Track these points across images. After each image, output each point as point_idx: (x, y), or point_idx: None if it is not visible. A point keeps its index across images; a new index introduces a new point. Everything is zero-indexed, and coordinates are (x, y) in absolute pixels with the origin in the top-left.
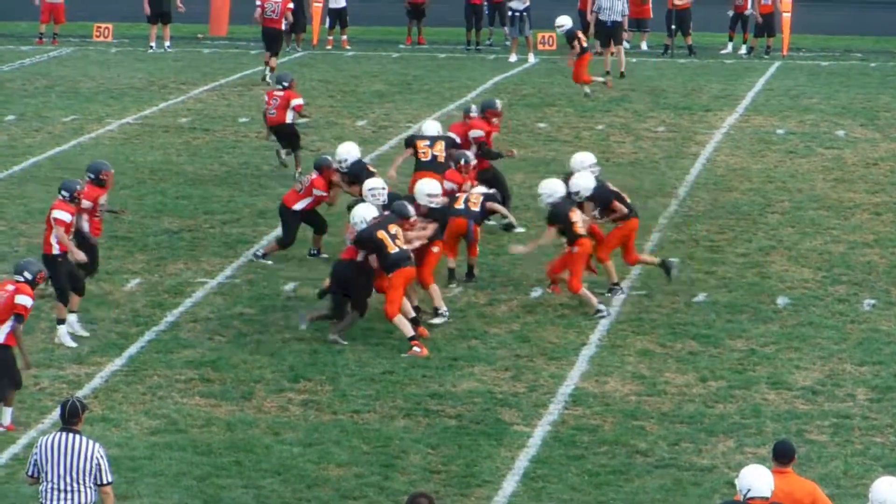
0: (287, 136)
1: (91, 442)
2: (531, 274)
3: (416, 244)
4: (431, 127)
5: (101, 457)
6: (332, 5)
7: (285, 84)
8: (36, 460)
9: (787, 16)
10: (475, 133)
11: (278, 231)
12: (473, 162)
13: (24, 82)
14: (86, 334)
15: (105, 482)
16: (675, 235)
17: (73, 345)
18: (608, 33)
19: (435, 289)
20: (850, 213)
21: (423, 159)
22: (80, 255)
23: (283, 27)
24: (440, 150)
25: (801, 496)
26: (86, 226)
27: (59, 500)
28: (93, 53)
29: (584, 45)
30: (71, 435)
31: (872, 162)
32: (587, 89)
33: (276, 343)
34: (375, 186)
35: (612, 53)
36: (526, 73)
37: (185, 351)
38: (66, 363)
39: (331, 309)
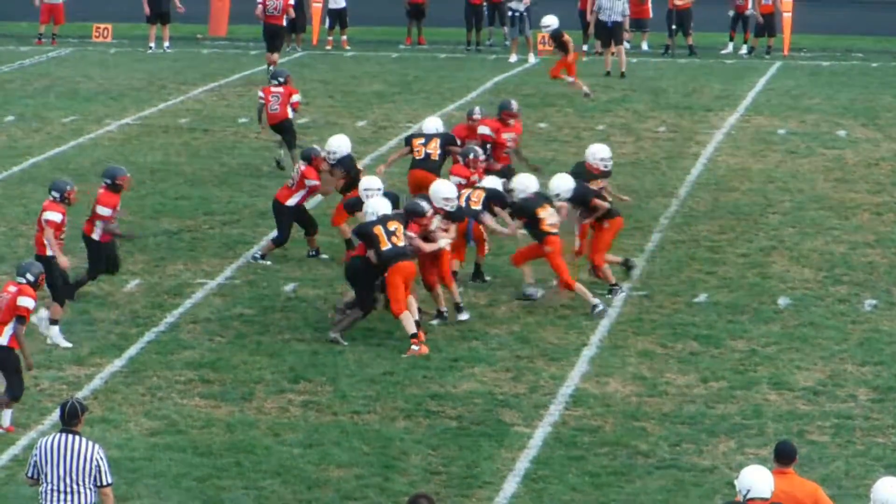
0: (287, 132)
1: (91, 443)
2: (532, 275)
3: (440, 245)
4: (431, 124)
5: (101, 458)
6: (332, 5)
7: (281, 80)
8: (35, 462)
9: (787, 16)
10: (483, 130)
11: (276, 232)
12: (482, 156)
13: (23, 83)
14: (68, 345)
15: (105, 483)
16: (676, 236)
17: (68, 344)
18: (608, 33)
19: (440, 291)
20: (852, 214)
21: (417, 157)
22: (64, 261)
23: (285, 23)
24: (434, 147)
25: (802, 497)
26: (98, 230)
27: (58, 501)
28: (92, 54)
29: (570, 45)
30: (70, 436)
31: (874, 162)
32: (586, 89)
33: (277, 344)
34: (370, 187)
35: (612, 53)
36: (526, 74)
37: (184, 352)
38: (65, 364)
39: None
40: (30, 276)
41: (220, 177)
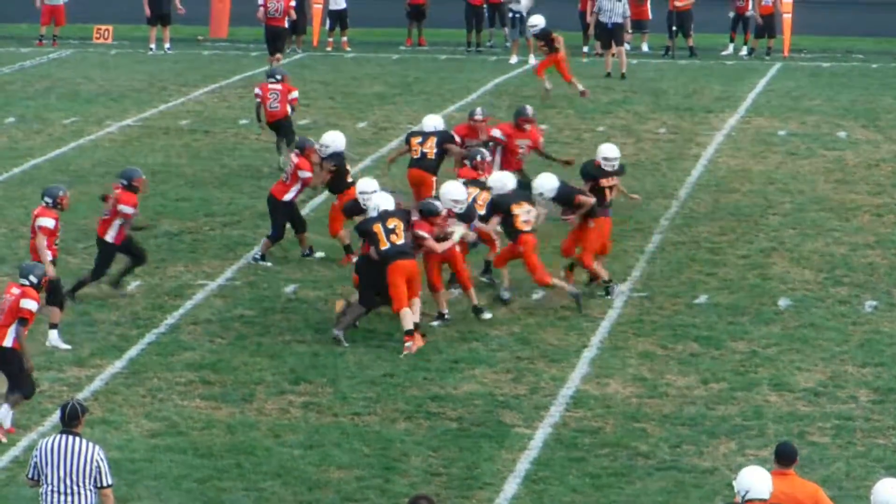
0: (286, 130)
1: (91, 444)
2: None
3: (447, 245)
4: (430, 121)
5: (101, 459)
6: (333, 7)
7: (278, 77)
8: (36, 463)
9: (787, 17)
10: (496, 133)
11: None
12: (489, 158)
13: (24, 84)
14: (67, 347)
15: (105, 485)
16: (676, 237)
17: (67, 347)
18: (609, 35)
19: (443, 293)
20: (852, 215)
21: (414, 156)
22: (51, 271)
23: (286, 25)
24: (430, 147)
25: (803, 498)
26: (113, 232)
27: (59, 502)
28: (93, 55)
29: (557, 45)
30: (71, 437)
31: (874, 163)
32: (580, 87)
33: (277, 345)
34: (365, 190)
35: (612, 55)
36: (527, 75)
37: (185, 353)
38: (66, 365)
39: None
40: (32, 279)
41: (220, 178)
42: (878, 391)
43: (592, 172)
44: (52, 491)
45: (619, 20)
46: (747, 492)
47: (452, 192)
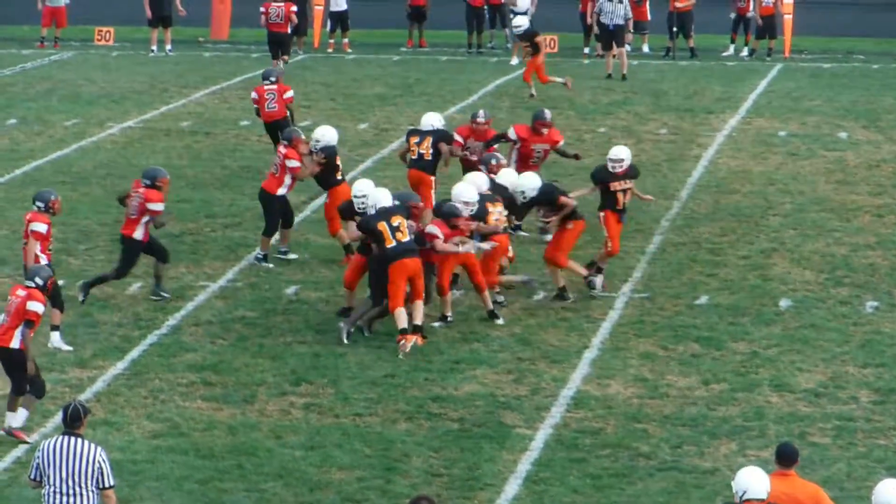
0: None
1: (93, 445)
2: (532, 276)
3: (451, 249)
4: (427, 120)
5: (103, 460)
6: (334, 8)
7: (273, 78)
8: (38, 464)
9: (788, 18)
10: (510, 133)
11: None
12: (503, 161)
13: (25, 86)
14: (69, 349)
15: (107, 486)
16: (677, 238)
17: (69, 348)
18: (610, 36)
19: (449, 296)
20: (853, 216)
21: (412, 157)
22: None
23: (289, 30)
24: (426, 147)
25: (803, 499)
26: (141, 230)
27: (61, 503)
28: (94, 57)
29: (541, 45)
30: (73, 439)
31: (875, 164)
32: (533, 90)
33: (278, 346)
34: (360, 193)
35: (613, 56)
36: None
37: (186, 354)
38: (67, 367)
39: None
40: (38, 280)
41: (221, 179)
42: (879, 392)
43: (600, 176)
44: (55, 492)
45: (621, 21)
46: (745, 492)
47: (463, 193)
